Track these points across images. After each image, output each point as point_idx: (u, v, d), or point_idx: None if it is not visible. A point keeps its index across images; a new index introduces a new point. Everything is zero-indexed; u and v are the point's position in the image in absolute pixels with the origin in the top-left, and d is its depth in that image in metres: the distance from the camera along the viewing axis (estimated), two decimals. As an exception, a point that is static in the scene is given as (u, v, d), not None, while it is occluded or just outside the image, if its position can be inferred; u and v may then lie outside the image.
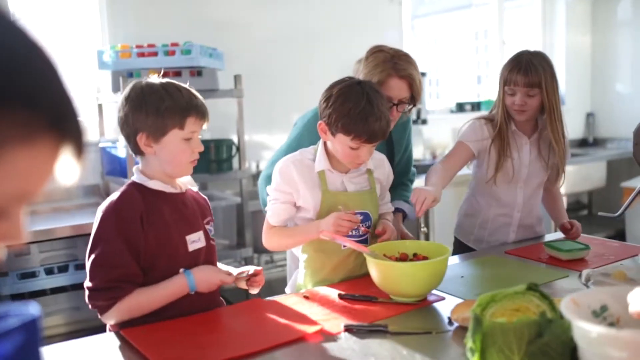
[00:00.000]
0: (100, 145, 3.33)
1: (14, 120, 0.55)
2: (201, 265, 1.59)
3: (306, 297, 1.67)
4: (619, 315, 1.14)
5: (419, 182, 2.41)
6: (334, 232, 1.69)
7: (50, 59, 0.60)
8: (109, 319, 1.52)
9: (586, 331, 1.01)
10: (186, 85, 1.57)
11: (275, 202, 1.81)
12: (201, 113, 1.55)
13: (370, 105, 1.69)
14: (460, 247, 2.39)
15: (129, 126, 1.53)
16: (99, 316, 1.52)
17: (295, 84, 3.96)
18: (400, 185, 2.32)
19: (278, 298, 1.71)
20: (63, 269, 2.82)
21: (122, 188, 1.57)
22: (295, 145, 2.06)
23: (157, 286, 1.51)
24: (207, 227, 1.67)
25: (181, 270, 1.54)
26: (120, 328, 1.50)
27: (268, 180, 1.97)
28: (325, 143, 1.82)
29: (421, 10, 5.21)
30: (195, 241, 1.61)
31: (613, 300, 1.15)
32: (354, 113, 1.68)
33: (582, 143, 5.57)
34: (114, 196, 1.55)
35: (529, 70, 2.08)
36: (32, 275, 2.75)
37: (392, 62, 2.02)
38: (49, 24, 3.36)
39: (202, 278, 1.55)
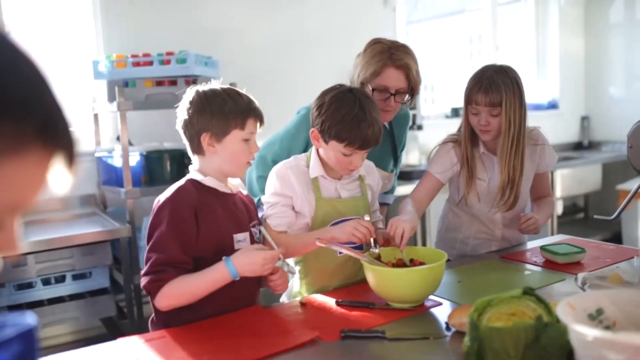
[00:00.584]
0: (97, 154, 3.33)
1: (3, 132, 0.55)
2: (236, 252, 1.58)
3: (303, 305, 1.67)
4: (615, 319, 1.14)
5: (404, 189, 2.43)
6: (349, 236, 1.69)
7: (40, 70, 0.60)
8: (158, 303, 1.55)
9: (582, 335, 1.01)
10: (244, 91, 1.68)
11: (276, 207, 1.80)
12: (259, 116, 1.66)
13: (362, 111, 1.70)
14: None
15: (193, 127, 1.62)
16: (151, 302, 1.58)
17: (290, 91, 3.97)
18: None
19: (275, 306, 1.72)
20: (60, 279, 2.81)
21: (179, 183, 1.64)
22: (293, 131, 2.14)
23: (199, 273, 1.55)
24: (253, 229, 1.73)
25: (223, 258, 1.56)
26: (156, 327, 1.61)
27: (260, 168, 2.00)
28: (318, 150, 1.83)
29: (415, 15, 5.23)
30: (241, 241, 1.67)
31: (609, 303, 1.15)
32: (347, 120, 1.70)
33: (578, 146, 5.59)
34: (170, 190, 1.63)
35: (490, 89, 1.98)
36: (29, 286, 2.74)
37: (389, 52, 2.05)
38: (44, 35, 3.36)
39: (242, 262, 1.55)
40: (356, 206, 1.86)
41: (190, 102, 1.62)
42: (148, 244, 1.58)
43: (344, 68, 4.26)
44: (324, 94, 1.79)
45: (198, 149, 1.64)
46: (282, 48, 4.03)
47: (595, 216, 2.51)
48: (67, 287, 2.84)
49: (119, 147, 3.00)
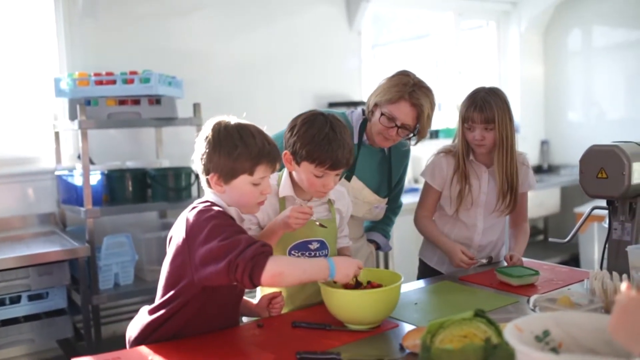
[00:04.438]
0: (57, 173, 3.29)
1: None
2: (337, 256, 1.64)
3: (260, 327, 1.67)
4: (561, 340, 1.17)
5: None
6: (292, 225, 1.72)
7: None
8: (265, 275, 1.44)
9: (527, 356, 1.04)
10: (263, 129, 1.64)
11: (243, 223, 1.80)
12: (272, 160, 1.62)
13: (333, 132, 1.74)
14: (424, 269, 2.46)
15: (204, 165, 1.60)
16: (249, 280, 1.44)
17: (255, 112, 3.92)
18: (384, 218, 2.37)
19: (232, 328, 1.71)
20: (15, 299, 2.75)
21: (200, 202, 1.60)
22: None
23: (303, 259, 1.56)
24: None
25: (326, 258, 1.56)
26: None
27: None
28: (290, 173, 1.85)
29: (381, 39, 5.31)
30: None
31: (555, 325, 1.18)
32: (318, 140, 1.73)
33: (537, 170, 5.71)
34: (195, 206, 1.58)
35: (484, 108, 2.18)
36: (-18, 307, 2.68)
37: (411, 87, 2.11)
38: (5, 50, 3.33)
39: (342, 266, 1.58)
40: (323, 229, 1.87)
41: (205, 139, 1.59)
42: (208, 241, 1.47)
43: (309, 91, 4.35)
44: (297, 117, 1.83)
45: (208, 185, 1.63)
46: (248, 69, 4.06)
47: (550, 239, 2.58)
48: (23, 308, 2.78)
49: (80, 165, 2.97)
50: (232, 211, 1.61)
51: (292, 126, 1.81)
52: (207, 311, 1.59)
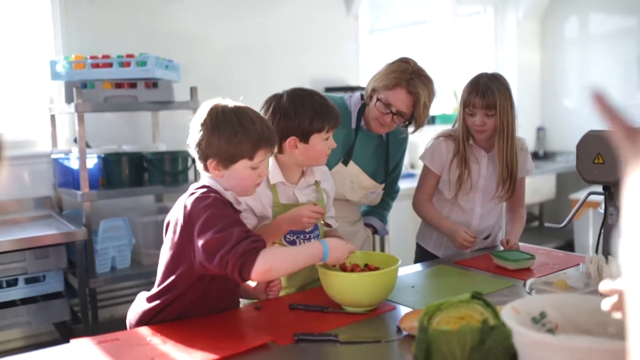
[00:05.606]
0: (53, 156, 3.28)
1: None
2: (328, 238, 1.65)
3: (258, 309, 1.68)
4: (557, 322, 1.19)
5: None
6: (305, 224, 1.76)
7: None
8: (255, 271, 1.43)
9: (524, 337, 1.05)
10: (260, 113, 1.65)
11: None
12: (271, 144, 1.62)
13: (318, 95, 1.82)
14: (421, 253, 2.47)
15: (201, 150, 1.58)
16: (239, 276, 1.45)
17: (252, 96, 3.91)
18: (381, 203, 2.38)
19: (230, 310, 1.72)
20: (12, 283, 2.76)
21: (198, 188, 1.58)
22: None
23: (293, 247, 1.54)
24: None
25: (313, 239, 1.55)
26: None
27: None
28: (276, 156, 1.85)
29: (379, 24, 5.29)
30: None
31: (551, 307, 1.19)
32: (318, 107, 1.79)
33: (534, 156, 5.64)
34: (193, 192, 1.56)
35: (486, 94, 2.19)
36: (-21, 289, 2.68)
37: (409, 75, 2.10)
38: (0, 33, 3.30)
39: (334, 247, 1.59)
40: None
41: (202, 124, 1.57)
42: (205, 231, 1.46)
43: (305, 75, 4.33)
44: (274, 105, 1.83)
45: (205, 169, 1.61)
46: (245, 54, 4.04)
47: (546, 224, 2.59)
48: (20, 291, 2.78)
49: (76, 149, 2.96)
50: (229, 195, 1.60)
51: (282, 113, 1.79)
52: (207, 296, 1.59)
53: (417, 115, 2.15)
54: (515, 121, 2.27)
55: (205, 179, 1.63)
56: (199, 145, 1.58)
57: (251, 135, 1.56)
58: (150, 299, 1.61)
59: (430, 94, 2.15)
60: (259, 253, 1.45)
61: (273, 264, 1.47)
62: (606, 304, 1.01)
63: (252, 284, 1.85)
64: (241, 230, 1.48)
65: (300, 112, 1.78)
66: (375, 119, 2.18)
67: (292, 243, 1.86)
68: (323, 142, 1.81)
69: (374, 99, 2.15)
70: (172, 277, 1.56)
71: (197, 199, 1.53)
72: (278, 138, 1.68)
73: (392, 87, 2.10)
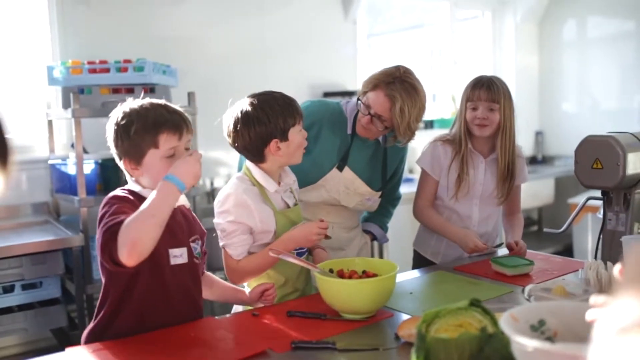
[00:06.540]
0: (50, 162, 3.27)
1: None
2: (179, 161, 1.50)
3: (255, 316, 1.67)
4: (556, 330, 1.18)
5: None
6: (315, 241, 1.78)
7: None
8: (123, 253, 1.36)
9: (523, 345, 1.04)
10: (161, 101, 1.60)
11: (234, 235, 1.78)
12: (174, 126, 1.54)
13: (278, 93, 1.84)
14: (418, 260, 2.46)
15: (116, 154, 1.58)
16: (113, 264, 1.41)
17: (250, 101, 3.97)
18: (381, 209, 2.36)
19: (227, 316, 1.71)
20: (9, 289, 2.74)
21: (117, 190, 1.58)
22: None
23: (145, 204, 1.41)
24: (193, 244, 1.65)
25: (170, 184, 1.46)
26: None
27: None
28: (259, 166, 1.84)
29: (377, 29, 5.29)
30: (177, 256, 1.59)
31: (550, 314, 1.18)
32: (285, 104, 1.81)
33: (532, 161, 5.73)
34: (110, 194, 1.56)
35: (491, 87, 2.22)
36: (-24, 296, 2.67)
37: (391, 79, 2.06)
38: (-3, 39, 3.29)
39: (182, 171, 1.45)
40: (298, 214, 1.92)
41: (108, 129, 1.59)
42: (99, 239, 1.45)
43: (303, 79, 4.32)
44: (245, 111, 1.79)
45: (126, 170, 1.60)
46: (242, 58, 4.04)
47: (545, 229, 2.59)
48: (16, 297, 2.77)
49: (73, 154, 2.95)
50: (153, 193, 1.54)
51: (255, 121, 1.77)
52: (158, 294, 1.56)
53: (395, 120, 2.05)
54: (514, 121, 2.28)
55: (130, 184, 1.61)
56: (113, 147, 1.58)
57: (146, 123, 1.52)
58: (96, 312, 1.59)
59: (413, 102, 2.04)
60: (116, 234, 1.37)
61: (133, 234, 1.36)
62: (590, 315, 1.00)
63: (246, 291, 1.84)
64: (109, 221, 1.42)
65: (272, 114, 1.77)
66: (359, 121, 2.17)
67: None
68: (299, 133, 1.83)
69: (360, 101, 2.14)
70: (104, 281, 1.56)
71: (101, 206, 1.52)
72: (181, 120, 1.58)
73: (372, 89, 2.09)
